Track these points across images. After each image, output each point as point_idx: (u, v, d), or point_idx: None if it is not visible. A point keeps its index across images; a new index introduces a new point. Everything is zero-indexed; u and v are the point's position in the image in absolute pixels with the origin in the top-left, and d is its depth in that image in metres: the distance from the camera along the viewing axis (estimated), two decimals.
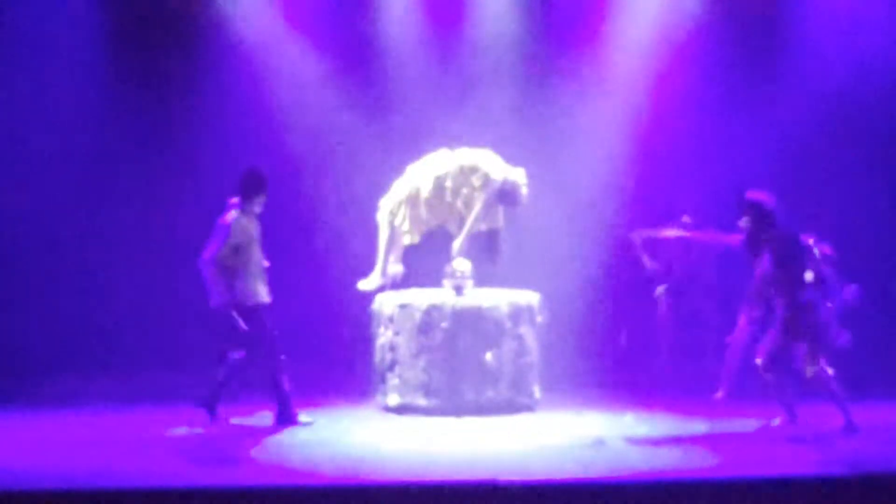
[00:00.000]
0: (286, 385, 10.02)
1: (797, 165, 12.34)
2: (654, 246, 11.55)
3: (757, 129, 12.54)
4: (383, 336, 10.69)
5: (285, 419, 10.04)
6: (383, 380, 10.68)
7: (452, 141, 11.09)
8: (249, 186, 10.05)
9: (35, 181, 12.59)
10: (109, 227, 12.70)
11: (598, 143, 12.66)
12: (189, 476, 8.38)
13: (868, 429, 9.65)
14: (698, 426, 9.90)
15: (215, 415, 9.98)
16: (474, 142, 11.09)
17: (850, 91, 12.38)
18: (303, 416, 10.13)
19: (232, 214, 10.01)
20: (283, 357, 10.00)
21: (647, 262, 11.20)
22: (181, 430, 9.76)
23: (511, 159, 10.97)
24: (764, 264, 9.63)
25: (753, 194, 9.77)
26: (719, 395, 10.91)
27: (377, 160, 11.75)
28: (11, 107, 12.42)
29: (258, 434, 9.81)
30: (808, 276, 9.54)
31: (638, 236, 11.55)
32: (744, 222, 9.76)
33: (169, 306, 12.66)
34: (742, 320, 10.93)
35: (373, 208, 11.02)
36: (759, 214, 9.68)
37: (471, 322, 10.50)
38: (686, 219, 11.47)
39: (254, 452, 9.19)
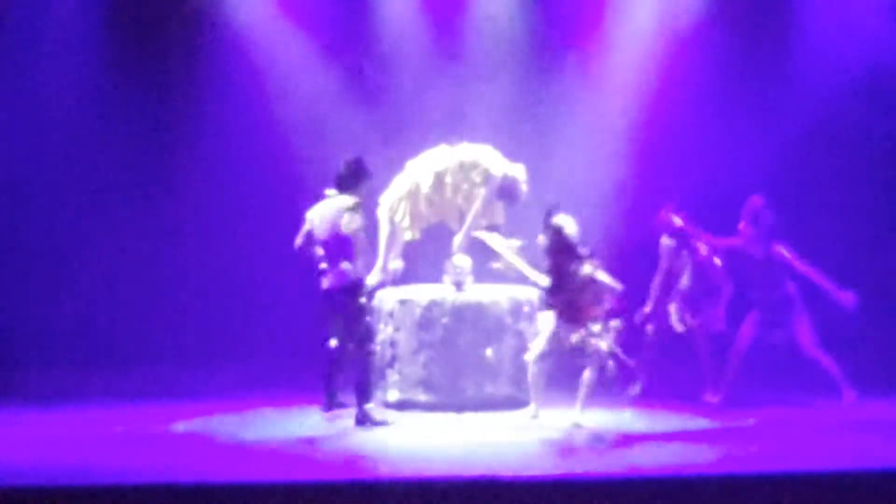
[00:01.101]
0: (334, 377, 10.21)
1: (799, 166, 12.30)
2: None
3: (759, 128, 12.50)
4: (383, 332, 10.69)
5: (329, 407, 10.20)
6: (383, 376, 10.68)
7: (452, 137, 11.08)
8: (344, 179, 10.07)
9: (33, 177, 12.57)
10: (108, 222, 12.67)
11: (598, 139, 12.64)
12: (190, 472, 8.38)
13: (871, 424, 9.69)
14: (697, 422, 9.90)
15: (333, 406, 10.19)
16: (474, 137, 11.08)
17: (854, 91, 12.31)
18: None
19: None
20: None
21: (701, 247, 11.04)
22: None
23: (511, 155, 10.96)
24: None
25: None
26: (714, 398, 10.82)
27: (376, 156, 11.71)
28: (8, 106, 12.40)
29: (257, 429, 9.82)
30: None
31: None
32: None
33: (169, 301, 12.65)
34: (746, 323, 10.85)
35: (373, 204, 11.01)
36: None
37: (471, 318, 10.50)
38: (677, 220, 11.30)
39: (253, 448, 9.19)
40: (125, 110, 12.61)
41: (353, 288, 10.00)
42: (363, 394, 9.94)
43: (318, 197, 10.19)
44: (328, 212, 10.06)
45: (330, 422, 10.05)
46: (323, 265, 10.03)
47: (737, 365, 10.73)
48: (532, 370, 9.97)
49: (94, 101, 12.60)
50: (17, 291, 12.50)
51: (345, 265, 9.94)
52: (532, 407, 10.01)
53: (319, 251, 10.08)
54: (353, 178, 10.11)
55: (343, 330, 10.07)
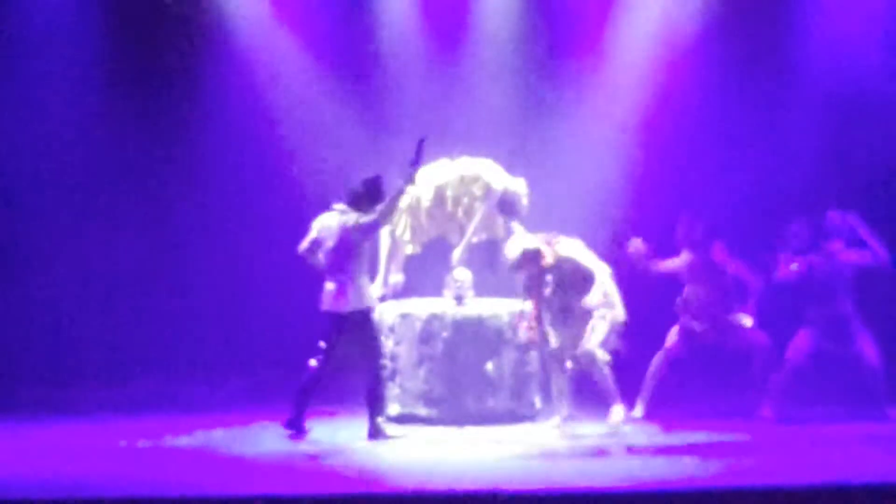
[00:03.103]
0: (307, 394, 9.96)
1: (807, 169, 12.28)
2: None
3: (764, 132, 12.49)
4: (384, 346, 10.69)
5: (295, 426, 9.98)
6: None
7: (453, 150, 11.08)
8: (360, 196, 9.93)
9: (33, 187, 12.57)
10: (106, 234, 12.67)
11: (600, 147, 12.62)
12: (187, 485, 8.38)
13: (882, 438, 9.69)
14: (697, 436, 9.90)
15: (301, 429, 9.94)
16: (475, 150, 11.09)
17: (864, 91, 12.28)
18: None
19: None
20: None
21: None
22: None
23: (511, 165, 10.96)
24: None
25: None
26: (767, 412, 10.58)
27: (377, 170, 11.74)
28: (8, 109, 12.40)
29: (257, 442, 9.81)
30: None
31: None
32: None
33: (169, 314, 12.63)
34: (799, 338, 10.67)
35: None
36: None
37: (471, 331, 10.50)
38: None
39: (255, 462, 9.18)
40: (125, 119, 12.60)
41: (367, 310, 9.94)
42: (375, 407, 9.91)
43: (322, 207, 10.13)
44: (337, 226, 9.91)
45: (328, 436, 9.97)
46: (329, 285, 9.94)
47: (786, 380, 10.54)
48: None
49: (91, 109, 12.60)
50: (13, 305, 12.48)
51: (357, 284, 9.86)
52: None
53: (321, 259, 10.01)
54: (369, 197, 9.93)
55: (354, 349, 9.94)
